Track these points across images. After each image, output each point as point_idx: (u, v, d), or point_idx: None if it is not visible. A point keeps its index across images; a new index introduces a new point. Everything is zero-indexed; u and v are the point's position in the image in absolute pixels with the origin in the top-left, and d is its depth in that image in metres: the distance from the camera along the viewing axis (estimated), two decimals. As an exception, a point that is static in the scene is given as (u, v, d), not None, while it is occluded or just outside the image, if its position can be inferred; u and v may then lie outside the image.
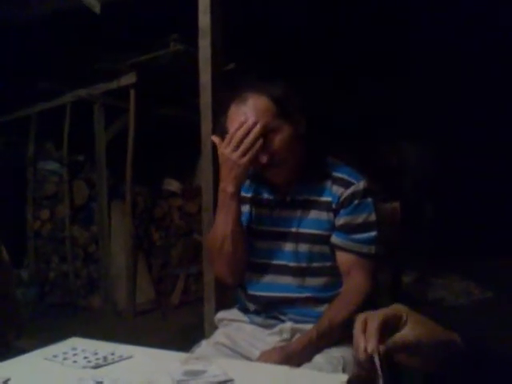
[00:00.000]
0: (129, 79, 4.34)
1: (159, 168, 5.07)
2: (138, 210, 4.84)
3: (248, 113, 1.37)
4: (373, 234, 1.42)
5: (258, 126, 1.35)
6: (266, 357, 1.29)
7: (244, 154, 1.35)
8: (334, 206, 1.42)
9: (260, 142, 1.35)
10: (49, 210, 4.77)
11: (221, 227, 1.44)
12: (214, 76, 2.32)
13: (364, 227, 1.41)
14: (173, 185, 5.19)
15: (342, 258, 1.42)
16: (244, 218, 1.50)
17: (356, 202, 1.41)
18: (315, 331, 1.33)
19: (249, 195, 1.53)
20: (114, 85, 4.42)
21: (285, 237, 1.46)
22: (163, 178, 5.22)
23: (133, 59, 4.18)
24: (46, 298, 4.61)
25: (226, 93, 1.46)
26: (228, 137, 1.37)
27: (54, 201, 4.80)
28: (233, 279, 1.52)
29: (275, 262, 1.47)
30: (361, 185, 1.42)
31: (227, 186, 1.40)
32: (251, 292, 1.50)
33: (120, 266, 4.59)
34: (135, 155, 4.41)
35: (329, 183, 1.44)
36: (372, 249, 1.41)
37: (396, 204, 1.67)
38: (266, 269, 1.48)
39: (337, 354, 1.34)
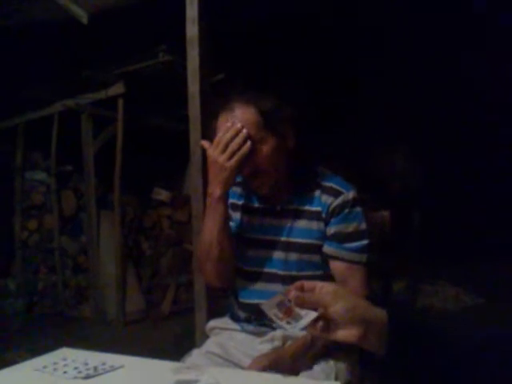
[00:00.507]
0: (117, 89, 4.34)
1: (148, 177, 5.06)
2: (127, 220, 4.82)
3: (235, 121, 1.38)
4: (364, 242, 1.43)
5: (245, 131, 1.36)
6: (256, 361, 1.29)
7: (231, 157, 1.36)
8: (323, 215, 1.43)
9: (248, 144, 1.36)
10: (37, 220, 4.74)
11: (208, 230, 1.45)
12: (203, 86, 2.33)
13: (355, 236, 1.42)
14: (162, 194, 5.18)
15: (336, 266, 1.43)
16: (235, 225, 1.52)
17: (346, 211, 1.42)
18: (309, 337, 1.33)
19: (240, 203, 1.55)
20: (102, 95, 4.42)
21: (275, 245, 1.47)
22: (152, 187, 5.21)
23: (121, 69, 4.19)
24: (34, 308, 4.57)
25: (216, 103, 1.46)
26: (216, 140, 1.38)
27: (42, 211, 4.77)
28: (220, 282, 1.52)
29: (265, 269, 1.48)
30: (350, 194, 1.44)
31: (214, 189, 1.41)
32: (242, 300, 1.51)
33: (109, 276, 4.56)
34: (123, 165, 4.40)
35: (318, 193, 1.45)
36: (364, 257, 1.42)
37: (386, 212, 1.69)
38: (256, 277, 1.49)
39: (330, 361, 1.34)
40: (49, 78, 4.18)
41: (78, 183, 4.82)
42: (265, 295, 1.45)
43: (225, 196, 1.43)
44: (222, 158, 1.36)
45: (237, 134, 1.35)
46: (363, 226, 1.44)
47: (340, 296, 0.92)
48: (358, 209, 1.44)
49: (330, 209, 1.42)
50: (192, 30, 2.32)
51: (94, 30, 3.51)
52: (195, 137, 2.33)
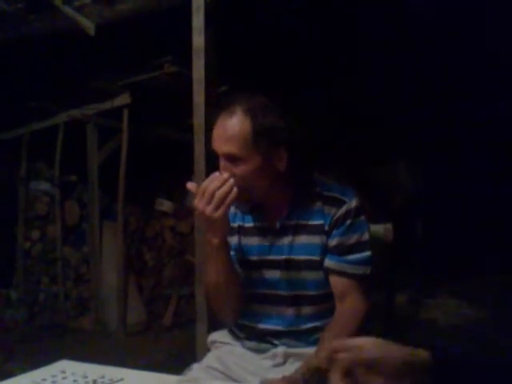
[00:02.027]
0: (122, 100, 4.36)
1: (151, 188, 5.06)
2: (129, 230, 4.81)
3: (225, 130, 1.33)
4: (367, 254, 1.38)
5: (232, 180, 1.30)
6: None
7: (217, 208, 1.29)
8: (326, 227, 1.38)
9: (235, 191, 1.29)
10: (40, 231, 4.73)
11: (213, 277, 1.40)
12: (208, 97, 2.33)
13: (357, 247, 1.37)
14: (165, 205, 5.18)
15: (336, 281, 1.37)
16: (232, 249, 1.45)
17: (349, 221, 1.37)
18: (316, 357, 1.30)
19: (235, 225, 1.48)
20: (107, 105, 4.44)
21: (276, 265, 1.41)
22: (155, 198, 5.21)
23: (127, 80, 4.21)
24: (35, 319, 4.55)
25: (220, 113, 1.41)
26: (201, 189, 1.31)
27: (46, 221, 4.77)
28: (233, 318, 1.48)
29: (267, 291, 1.43)
30: (353, 203, 1.38)
31: (211, 238, 1.35)
32: (243, 322, 1.47)
33: (111, 287, 4.54)
34: (127, 175, 4.40)
35: (320, 204, 1.40)
36: (367, 269, 1.37)
37: (388, 225, 1.66)
38: (258, 299, 1.44)
39: None
40: (55, 88, 4.20)
41: (82, 193, 4.82)
42: (268, 320, 1.42)
43: (224, 242, 1.37)
44: (208, 210, 1.28)
45: (223, 183, 1.29)
46: (366, 236, 1.39)
47: (387, 348, 0.82)
48: (361, 218, 1.39)
49: (333, 220, 1.37)
50: (198, 40, 2.33)
51: (100, 40, 3.53)
52: (199, 147, 2.33)
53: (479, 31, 4.26)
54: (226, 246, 1.38)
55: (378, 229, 1.64)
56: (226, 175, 1.30)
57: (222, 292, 1.41)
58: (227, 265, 1.39)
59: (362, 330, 1.36)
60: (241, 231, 1.48)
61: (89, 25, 3.40)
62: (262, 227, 1.45)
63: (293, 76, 4.71)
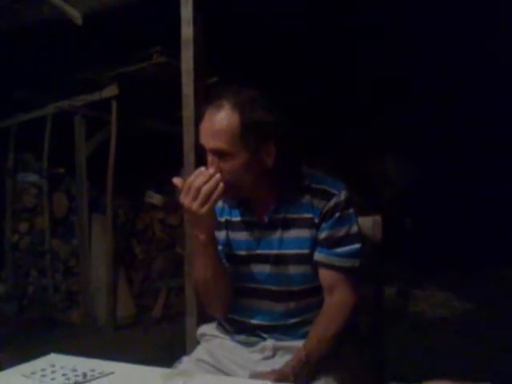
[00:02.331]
0: (111, 91, 4.33)
1: (141, 180, 5.04)
2: (119, 223, 4.79)
3: (213, 124, 1.31)
4: (356, 246, 1.37)
5: (218, 175, 1.29)
6: (259, 378, 1.25)
7: (203, 204, 1.27)
8: (316, 220, 1.37)
9: (221, 187, 1.28)
10: (28, 223, 4.70)
11: (201, 272, 1.39)
12: (197, 88, 2.31)
13: (347, 240, 1.37)
14: (154, 198, 5.15)
15: (325, 274, 1.37)
16: (221, 245, 1.44)
17: (338, 214, 1.36)
18: (304, 351, 1.29)
19: (223, 220, 1.46)
20: (95, 96, 4.40)
21: (265, 259, 1.40)
22: (145, 190, 5.18)
23: (115, 71, 4.17)
24: (24, 312, 4.52)
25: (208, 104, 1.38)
26: (186, 185, 1.29)
27: (34, 213, 4.73)
28: (223, 313, 1.48)
29: (256, 286, 1.42)
30: (342, 195, 1.37)
31: (198, 234, 1.34)
32: (232, 316, 1.47)
33: (100, 280, 4.53)
34: (116, 167, 4.37)
35: (308, 197, 1.38)
36: (356, 262, 1.37)
37: (377, 217, 1.66)
38: (248, 294, 1.43)
39: (329, 379, 1.31)
40: (42, 79, 4.15)
41: (70, 186, 4.78)
42: (257, 314, 1.42)
43: (211, 237, 1.36)
44: (194, 206, 1.27)
45: (209, 179, 1.27)
46: (355, 228, 1.38)
47: None
48: (350, 211, 1.38)
49: (322, 213, 1.36)
50: (187, 31, 2.31)
51: (88, 31, 3.49)
52: (189, 140, 2.31)
53: (479, 31, 4.29)
54: (213, 241, 1.37)
55: (367, 221, 1.64)
56: (211, 170, 1.29)
57: (210, 287, 1.40)
58: (215, 260, 1.38)
59: (350, 322, 1.37)
60: (228, 226, 1.46)
61: (76, 14, 3.37)
62: (249, 221, 1.44)
63: (283, 68, 4.70)
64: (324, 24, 4.31)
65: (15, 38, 3.70)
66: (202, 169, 1.30)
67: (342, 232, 1.36)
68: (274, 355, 1.39)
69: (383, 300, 1.70)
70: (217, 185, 1.27)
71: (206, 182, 1.27)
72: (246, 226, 1.44)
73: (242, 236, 1.44)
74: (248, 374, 1.32)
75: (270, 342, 1.40)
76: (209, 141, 1.32)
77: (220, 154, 1.31)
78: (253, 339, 1.43)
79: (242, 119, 1.30)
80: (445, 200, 6.02)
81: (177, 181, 1.31)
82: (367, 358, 1.58)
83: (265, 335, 1.42)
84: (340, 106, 5.58)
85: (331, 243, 1.36)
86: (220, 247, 1.43)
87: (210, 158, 1.33)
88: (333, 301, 1.36)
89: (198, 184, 1.27)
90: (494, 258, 5.14)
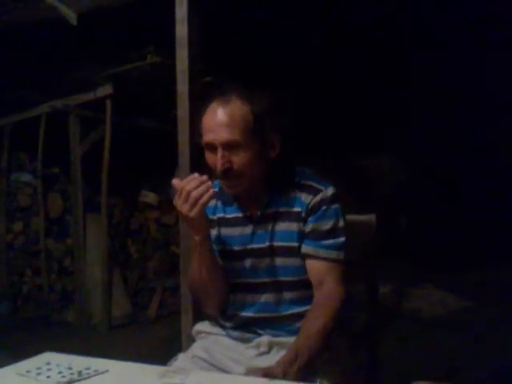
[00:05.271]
0: (105, 90, 4.32)
1: (135, 180, 5.03)
2: (113, 223, 4.78)
3: (225, 117, 1.33)
4: (341, 239, 1.40)
5: (209, 182, 1.31)
6: (250, 375, 1.26)
7: (191, 208, 1.31)
8: (303, 214, 1.41)
9: (210, 192, 1.31)
10: (22, 223, 4.68)
11: (196, 272, 1.43)
12: (192, 87, 2.32)
13: (332, 233, 1.40)
14: (149, 197, 5.15)
15: (312, 266, 1.40)
16: (214, 242, 1.47)
17: (324, 207, 1.40)
18: (294, 347, 1.29)
19: (215, 217, 1.50)
20: (90, 96, 4.39)
21: (259, 253, 1.43)
22: (139, 189, 5.17)
23: (109, 70, 4.16)
24: (19, 312, 4.51)
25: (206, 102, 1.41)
26: (179, 188, 1.33)
27: (28, 213, 4.72)
28: (219, 310, 1.50)
29: (252, 280, 1.45)
30: (329, 191, 1.41)
31: (192, 234, 1.39)
32: (229, 312, 1.48)
33: (95, 279, 4.52)
34: (111, 167, 4.37)
35: (297, 192, 1.43)
36: (341, 254, 1.40)
37: (371, 216, 1.67)
38: (243, 288, 1.46)
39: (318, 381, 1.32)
40: (36, 78, 4.14)
41: (65, 185, 4.78)
42: (252, 307, 1.44)
43: (206, 237, 1.40)
44: (185, 208, 1.32)
45: (200, 184, 1.31)
46: (341, 223, 1.42)
47: None
48: (336, 205, 1.42)
49: (309, 207, 1.40)
50: (181, 30, 2.31)
51: (82, 30, 3.49)
52: (183, 138, 2.32)
53: (478, 31, 4.30)
54: (207, 241, 1.40)
55: (362, 219, 1.65)
56: (204, 177, 1.32)
57: (206, 285, 1.43)
58: (210, 259, 1.41)
59: (340, 317, 1.37)
60: (222, 223, 1.49)
61: (71, 14, 3.36)
62: (243, 217, 1.47)
63: (279, 65, 4.70)
64: (320, 21, 4.32)
65: (10, 37, 3.68)
66: (196, 174, 1.33)
67: (327, 225, 1.40)
68: (269, 351, 1.40)
69: (378, 298, 1.71)
70: (207, 190, 1.31)
71: (196, 187, 1.31)
72: (240, 221, 1.47)
73: (235, 231, 1.47)
74: (244, 369, 1.34)
75: (265, 338, 1.42)
76: (221, 134, 1.34)
77: (233, 147, 1.34)
78: (248, 335, 1.45)
79: (253, 110, 1.35)
80: (441, 198, 6.03)
81: (176, 182, 1.35)
82: (362, 357, 1.59)
83: (260, 331, 1.44)
84: (335, 104, 5.59)
85: (317, 235, 1.40)
86: (213, 242, 1.46)
87: (220, 153, 1.35)
88: (322, 294, 1.38)
89: (189, 188, 1.31)
90: (491, 256, 5.16)
